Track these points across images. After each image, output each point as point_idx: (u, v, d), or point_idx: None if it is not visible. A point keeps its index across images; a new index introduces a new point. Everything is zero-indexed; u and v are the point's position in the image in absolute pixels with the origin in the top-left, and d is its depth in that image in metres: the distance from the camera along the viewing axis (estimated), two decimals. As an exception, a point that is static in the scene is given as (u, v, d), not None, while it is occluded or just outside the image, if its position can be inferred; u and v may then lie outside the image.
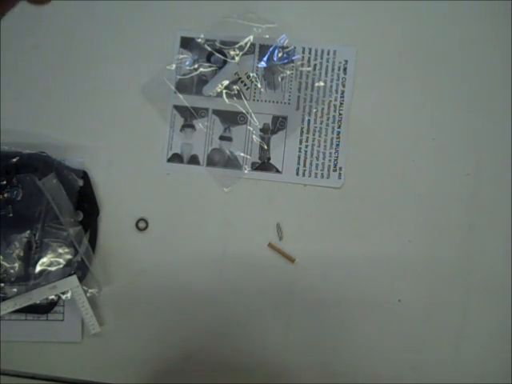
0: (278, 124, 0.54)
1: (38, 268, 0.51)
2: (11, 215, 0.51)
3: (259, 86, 0.54)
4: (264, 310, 0.54)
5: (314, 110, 0.54)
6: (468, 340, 0.53)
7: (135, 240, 0.54)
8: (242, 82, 0.54)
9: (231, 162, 0.54)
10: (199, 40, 0.54)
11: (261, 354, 0.54)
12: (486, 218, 0.54)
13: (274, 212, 0.54)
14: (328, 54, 0.54)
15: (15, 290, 0.51)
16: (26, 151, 0.52)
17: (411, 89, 0.54)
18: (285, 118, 0.54)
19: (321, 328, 0.54)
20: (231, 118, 0.54)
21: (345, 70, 0.54)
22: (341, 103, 0.54)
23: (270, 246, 0.54)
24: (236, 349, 0.54)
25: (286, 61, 0.54)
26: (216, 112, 0.54)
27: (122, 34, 0.55)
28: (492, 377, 0.53)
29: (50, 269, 0.52)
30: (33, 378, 0.54)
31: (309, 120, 0.54)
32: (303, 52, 0.54)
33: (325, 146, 0.54)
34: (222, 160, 0.54)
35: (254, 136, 0.54)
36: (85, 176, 0.53)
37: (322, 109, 0.54)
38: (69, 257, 0.52)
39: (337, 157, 0.54)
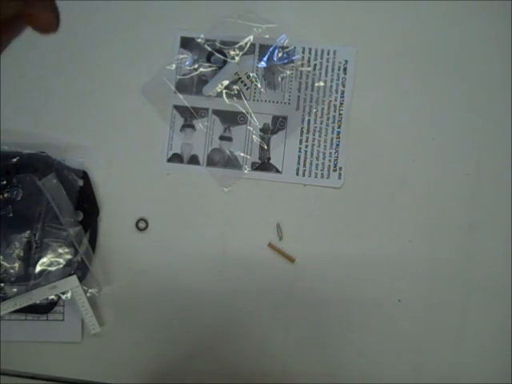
0: (278, 124, 0.54)
1: (38, 268, 0.51)
2: (11, 215, 0.51)
3: (259, 85, 0.54)
4: (264, 310, 0.54)
5: (314, 110, 0.54)
6: (468, 340, 0.53)
7: (135, 240, 0.54)
8: (242, 81, 0.54)
9: (231, 162, 0.54)
10: (199, 40, 0.54)
11: (261, 354, 0.54)
12: (486, 218, 0.54)
13: (274, 212, 0.54)
14: (328, 54, 0.54)
15: (15, 289, 0.51)
16: (26, 151, 0.52)
17: (411, 89, 0.54)
18: (285, 118, 0.54)
19: (321, 328, 0.54)
20: (231, 118, 0.54)
21: (345, 69, 0.54)
22: (341, 103, 0.54)
23: (270, 246, 0.54)
24: (236, 349, 0.54)
25: (285, 61, 0.54)
26: (216, 112, 0.54)
27: (121, 33, 0.55)
28: (492, 377, 0.53)
29: (49, 269, 0.52)
30: (33, 377, 0.54)
31: (309, 120, 0.54)
32: (303, 52, 0.54)
33: (325, 145, 0.54)
34: (221, 160, 0.54)
35: (253, 136, 0.54)
36: (85, 176, 0.53)
37: (322, 109, 0.54)
38: (69, 257, 0.52)
39: (337, 157, 0.54)
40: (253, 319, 0.54)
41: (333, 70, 0.54)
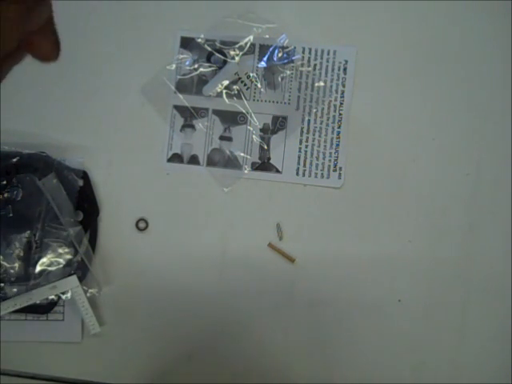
0: (278, 124, 0.54)
1: (38, 268, 0.51)
2: (11, 215, 0.51)
3: (259, 86, 0.54)
4: (264, 310, 0.54)
5: (314, 110, 0.54)
6: (468, 340, 0.53)
7: (135, 240, 0.54)
8: (242, 81, 0.54)
9: (231, 162, 0.54)
10: (199, 40, 0.54)
11: (261, 354, 0.54)
12: (486, 218, 0.54)
13: (274, 212, 0.54)
14: (328, 54, 0.54)
15: (15, 289, 0.51)
16: (25, 151, 0.52)
17: (411, 89, 0.54)
18: (285, 118, 0.54)
19: (321, 328, 0.54)
20: (231, 118, 0.54)
21: (345, 69, 0.54)
22: (341, 103, 0.54)
23: (270, 246, 0.54)
24: (236, 349, 0.54)
25: (286, 61, 0.54)
26: (216, 112, 0.54)
27: (121, 33, 0.55)
28: (492, 377, 0.53)
29: (49, 269, 0.52)
30: (33, 377, 0.54)
31: (309, 120, 0.54)
32: (303, 52, 0.54)
33: (325, 145, 0.54)
34: (221, 160, 0.54)
35: (254, 136, 0.54)
36: (85, 176, 0.53)
37: (322, 109, 0.54)
38: (69, 257, 0.52)
39: (337, 157, 0.54)
40: (253, 319, 0.54)
41: (333, 69, 0.54)
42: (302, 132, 0.54)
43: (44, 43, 0.22)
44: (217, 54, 0.54)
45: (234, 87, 0.54)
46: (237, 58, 0.54)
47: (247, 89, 0.54)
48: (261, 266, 0.54)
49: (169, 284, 0.54)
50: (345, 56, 0.54)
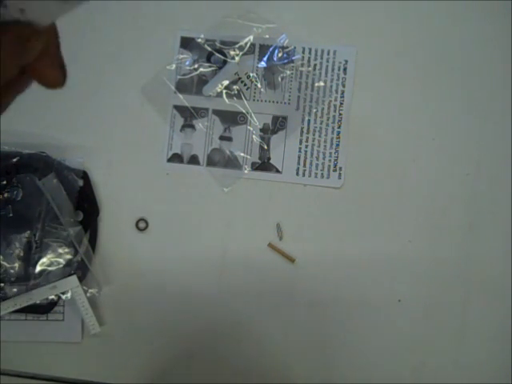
0: (278, 124, 0.54)
1: (38, 268, 0.51)
2: (11, 215, 0.51)
3: (259, 85, 0.54)
4: (264, 310, 0.54)
5: (314, 110, 0.54)
6: (468, 340, 0.53)
7: (135, 240, 0.54)
8: (242, 81, 0.54)
9: (231, 162, 0.54)
10: (199, 40, 0.54)
11: (261, 354, 0.54)
12: (486, 218, 0.54)
13: (274, 212, 0.54)
14: (328, 54, 0.54)
15: (15, 289, 0.51)
16: (25, 151, 0.52)
17: (411, 89, 0.54)
18: (285, 118, 0.54)
19: (321, 328, 0.54)
20: (231, 118, 0.54)
21: (345, 69, 0.54)
22: (341, 103, 0.54)
23: (270, 246, 0.54)
24: (236, 349, 0.54)
25: (286, 61, 0.54)
26: (216, 112, 0.54)
27: (122, 33, 0.55)
28: (492, 377, 0.53)
29: (49, 269, 0.52)
30: (33, 377, 0.54)
31: (309, 120, 0.54)
32: (303, 52, 0.54)
33: (325, 145, 0.54)
34: (222, 160, 0.54)
35: (254, 136, 0.54)
36: (85, 176, 0.53)
37: (322, 109, 0.54)
38: (69, 257, 0.52)
39: (337, 157, 0.54)
40: (253, 319, 0.54)
41: (333, 69, 0.54)
42: (302, 132, 0.54)
43: (50, 71, 0.22)
44: (217, 54, 0.54)
45: (234, 87, 0.54)
46: (237, 58, 0.54)
47: (247, 89, 0.54)
48: (261, 266, 0.54)
49: (169, 284, 0.54)
50: (345, 56, 0.54)
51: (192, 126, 0.54)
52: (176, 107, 0.54)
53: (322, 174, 0.54)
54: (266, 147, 0.54)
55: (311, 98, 0.54)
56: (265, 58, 0.54)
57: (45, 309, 0.53)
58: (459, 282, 0.53)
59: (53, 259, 0.52)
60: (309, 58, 0.54)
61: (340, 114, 0.54)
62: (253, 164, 0.54)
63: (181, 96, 0.54)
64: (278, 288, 0.54)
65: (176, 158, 0.54)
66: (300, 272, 0.54)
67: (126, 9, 0.55)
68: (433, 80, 0.54)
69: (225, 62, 0.54)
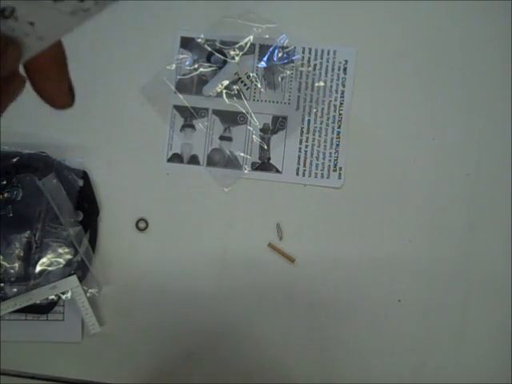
0: (278, 124, 0.54)
1: (38, 268, 0.51)
2: (11, 215, 0.51)
3: (259, 85, 0.54)
4: (264, 310, 0.54)
5: (314, 110, 0.54)
6: (468, 340, 0.53)
7: (135, 240, 0.54)
8: (242, 81, 0.54)
9: (231, 162, 0.54)
10: (199, 40, 0.54)
11: (261, 354, 0.54)
12: (486, 218, 0.54)
13: (274, 212, 0.54)
14: (328, 54, 0.54)
15: (15, 289, 0.51)
16: (25, 151, 0.52)
17: (411, 89, 0.54)
18: (285, 118, 0.54)
19: (321, 328, 0.54)
20: (231, 118, 0.54)
21: (345, 69, 0.54)
22: (341, 103, 0.54)
23: (270, 245, 0.54)
24: (236, 349, 0.54)
25: (286, 61, 0.54)
26: (216, 112, 0.54)
27: (121, 33, 0.55)
28: (492, 377, 0.53)
29: (49, 269, 0.52)
30: (33, 377, 0.54)
31: (309, 120, 0.54)
32: (303, 52, 0.54)
33: (325, 145, 0.54)
34: (222, 160, 0.54)
35: (254, 136, 0.54)
36: (85, 176, 0.53)
37: (322, 109, 0.54)
38: (69, 257, 0.52)
39: (337, 157, 0.54)
40: (253, 319, 0.54)
41: (333, 69, 0.54)
42: (302, 132, 0.54)
43: (58, 95, 0.22)
44: (217, 54, 0.54)
45: (234, 87, 0.54)
46: (237, 58, 0.54)
47: (247, 89, 0.54)
48: (261, 266, 0.54)
49: (169, 284, 0.54)
50: (345, 56, 0.54)
51: (192, 126, 0.54)
52: (176, 107, 0.55)
53: (322, 173, 0.54)
54: (266, 147, 0.54)
55: (311, 98, 0.54)
56: (265, 58, 0.54)
57: (45, 309, 0.53)
58: (459, 282, 0.53)
59: (53, 259, 0.52)
60: (309, 57, 0.54)
61: (340, 114, 0.54)
62: (253, 164, 0.54)
63: (181, 96, 0.54)
64: (277, 288, 0.54)
65: (176, 157, 0.54)
66: (300, 272, 0.54)
67: (126, 9, 0.55)
68: (433, 80, 0.54)
69: (225, 62, 0.54)
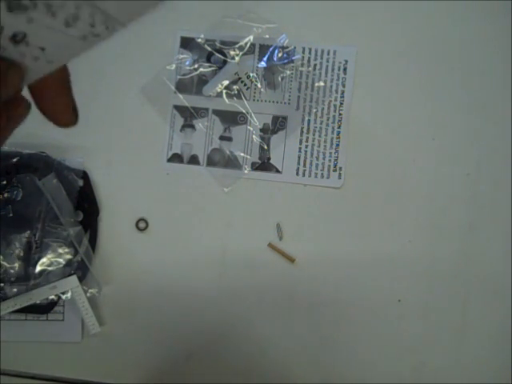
0: (278, 124, 0.54)
1: (38, 268, 0.51)
2: (11, 215, 0.51)
3: (259, 85, 0.54)
4: (264, 310, 0.54)
5: (314, 110, 0.54)
6: (468, 340, 0.53)
7: (135, 240, 0.54)
8: (242, 81, 0.54)
9: (231, 162, 0.54)
10: (199, 40, 0.54)
11: (261, 354, 0.54)
12: (486, 218, 0.54)
13: (274, 212, 0.54)
14: (328, 54, 0.54)
15: (15, 289, 0.51)
16: (26, 151, 0.52)
17: (411, 89, 0.54)
18: (285, 118, 0.54)
19: (320, 328, 0.54)
20: (231, 118, 0.54)
21: (345, 69, 0.54)
22: (341, 103, 0.54)
23: (270, 245, 0.54)
24: (236, 349, 0.54)
25: (286, 61, 0.54)
26: (216, 112, 0.54)
27: (122, 33, 0.55)
28: (492, 377, 0.53)
29: (49, 269, 0.52)
30: (33, 377, 0.54)
31: (309, 120, 0.54)
32: (303, 52, 0.54)
33: (325, 145, 0.54)
34: (222, 160, 0.54)
35: (254, 136, 0.54)
36: (85, 176, 0.53)
37: (322, 109, 0.54)
38: (69, 257, 0.52)
39: (337, 157, 0.54)
40: (253, 319, 0.54)
41: (333, 69, 0.54)
42: (302, 132, 0.54)
43: (63, 115, 0.22)
44: (217, 54, 0.54)
45: (234, 87, 0.54)
46: (237, 58, 0.54)
47: (247, 89, 0.54)
48: (261, 266, 0.54)
49: (169, 284, 0.54)
50: (345, 56, 0.54)
51: (192, 126, 0.54)
52: (176, 107, 0.55)
53: (322, 173, 0.54)
54: (266, 147, 0.54)
55: (311, 97, 0.54)
56: (265, 58, 0.54)
57: (45, 309, 0.53)
58: (459, 282, 0.53)
59: (53, 259, 0.52)
60: (309, 57, 0.54)
61: (340, 114, 0.54)
62: (253, 164, 0.54)
63: (181, 96, 0.54)
64: (277, 288, 0.54)
65: (176, 157, 0.54)
66: (300, 272, 0.54)
67: (126, 9, 0.55)
68: (433, 80, 0.54)
69: (225, 62, 0.54)
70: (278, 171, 0.54)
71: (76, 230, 0.52)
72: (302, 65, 0.54)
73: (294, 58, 0.54)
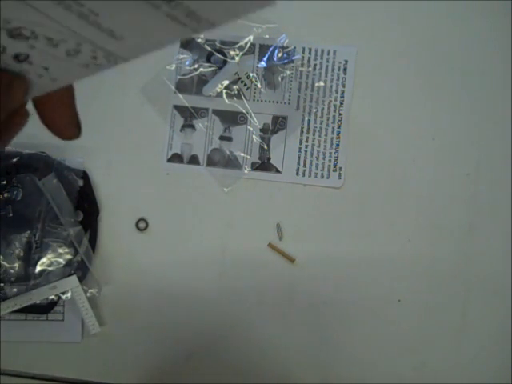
0: (278, 124, 0.54)
1: (38, 268, 0.51)
2: (11, 215, 0.51)
3: (259, 85, 0.54)
4: (264, 310, 0.54)
5: (314, 110, 0.54)
6: (468, 340, 0.53)
7: (135, 240, 0.54)
8: (242, 81, 0.54)
9: (231, 162, 0.54)
10: (199, 40, 0.54)
11: (260, 354, 0.54)
12: (486, 218, 0.54)
13: (274, 212, 0.54)
14: (328, 54, 0.54)
15: (15, 289, 0.51)
16: (26, 151, 0.52)
17: (411, 89, 0.54)
18: (285, 118, 0.54)
19: (321, 328, 0.54)
20: (231, 118, 0.54)
21: (345, 69, 0.54)
22: (341, 103, 0.54)
23: (270, 245, 0.54)
24: (236, 349, 0.54)
25: (286, 61, 0.54)
26: (216, 112, 0.54)
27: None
28: (492, 377, 0.53)
29: (49, 269, 0.52)
30: (33, 377, 0.54)
31: (309, 120, 0.54)
32: (303, 52, 0.54)
33: (325, 145, 0.54)
34: (222, 160, 0.54)
35: (254, 136, 0.54)
36: (85, 176, 0.53)
37: (322, 109, 0.54)
38: (69, 257, 0.52)
39: (337, 157, 0.54)
40: (253, 319, 0.54)
41: (333, 69, 0.54)
42: (302, 132, 0.54)
43: (66, 130, 0.23)
44: (217, 54, 0.54)
45: (234, 87, 0.54)
46: (237, 58, 0.54)
47: (247, 89, 0.54)
48: (261, 266, 0.54)
49: (169, 284, 0.54)
50: (345, 56, 0.54)
51: (192, 126, 0.54)
52: (176, 107, 0.55)
53: (322, 173, 0.54)
54: (266, 147, 0.54)
55: (311, 97, 0.54)
56: (265, 58, 0.54)
57: (45, 309, 0.53)
58: (459, 282, 0.53)
59: (53, 259, 0.52)
60: (309, 57, 0.54)
61: (340, 114, 0.54)
62: (253, 164, 0.54)
63: (181, 96, 0.54)
64: (277, 288, 0.54)
65: (176, 158, 0.54)
66: (300, 272, 0.54)
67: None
68: (433, 80, 0.54)
69: (225, 62, 0.54)
70: (278, 171, 0.54)
71: (76, 230, 0.52)
72: (302, 65, 0.54)
73: (293, 58, 0.54)
